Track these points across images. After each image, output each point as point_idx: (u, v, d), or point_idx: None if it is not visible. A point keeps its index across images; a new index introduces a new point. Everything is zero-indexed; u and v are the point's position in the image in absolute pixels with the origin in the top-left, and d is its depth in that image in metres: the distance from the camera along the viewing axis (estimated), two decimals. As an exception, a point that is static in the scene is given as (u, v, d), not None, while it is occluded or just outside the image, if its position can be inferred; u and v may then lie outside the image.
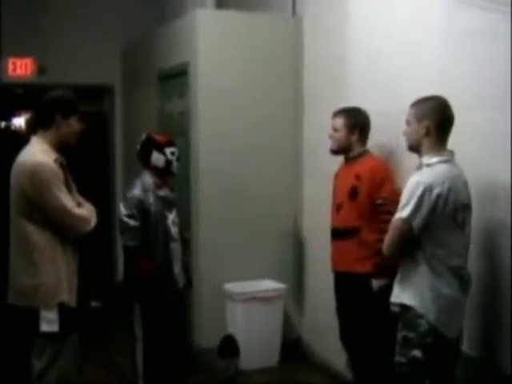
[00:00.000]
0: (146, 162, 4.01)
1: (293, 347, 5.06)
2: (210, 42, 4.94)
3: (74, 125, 3.25)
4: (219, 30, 4.97)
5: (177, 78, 5.35)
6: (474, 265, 3.13)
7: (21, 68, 6.57)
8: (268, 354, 4.85)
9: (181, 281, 4.07)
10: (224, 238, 4.95)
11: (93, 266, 3.67)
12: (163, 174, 4.01)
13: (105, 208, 3.55)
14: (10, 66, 6.51)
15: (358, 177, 3.74)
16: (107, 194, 7.09)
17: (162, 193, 4.01)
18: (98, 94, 7.13)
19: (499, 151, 3.14)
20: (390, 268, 3.21)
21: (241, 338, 4.65)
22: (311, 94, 5.00)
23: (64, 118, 3.20)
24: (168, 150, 3.98)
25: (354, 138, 3.84)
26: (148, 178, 3.98)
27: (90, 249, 3.43)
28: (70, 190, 3.24)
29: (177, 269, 4.02)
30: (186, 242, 4.33)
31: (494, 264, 3.21)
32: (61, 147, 3.25)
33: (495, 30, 3.17)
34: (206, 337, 4.79)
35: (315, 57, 4.93)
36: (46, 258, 3.12)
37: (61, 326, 3.12)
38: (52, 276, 3.12)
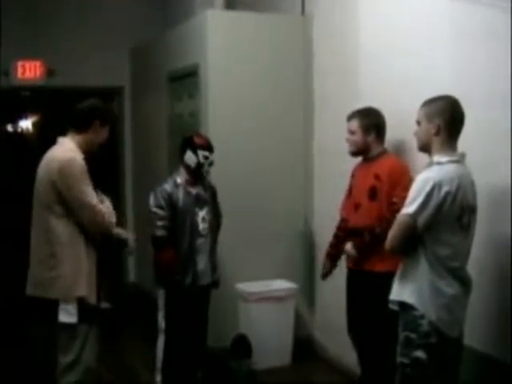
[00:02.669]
0: (180, 158, 4.12)
1: (304, 346, 5.07)
2: (220, 43, 4.96)
3: (104, 134, 3.41)
4: (228, 31, 4.99)
5: (187, 79, 5.37)
6: (480, 265, 3.17)
7: (30, 71, 6.60)
8: (280, 354, 4.87)
9: (206, 278, 4.16)
10: (236, 238, 4.95)
11: (104, 267, 3.73)
12: (194, 174, 4.10)
13: (115, 210, 3.60)
14: (19, 69, 6.55)
15: (377, 177, 3.72)
16: (117, 195, 7.11)
17: (194, 190, 4.12)
18: (108, 95, 7.15)
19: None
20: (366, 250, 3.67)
21: (253, 338, 4.67)
22: (321, 95, 5.00)
23: (101, 125, 3.36)
24: (201, 153, 4.05)
25: (371, 138, 3.83)
26: (181, 175, 4.11)
27: (104, 249, 3.48)
28: None
29: (201, 265, 4.12)
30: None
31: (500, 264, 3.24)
32: (86, 151, 3.35)
33: (504, 29, 3.16)
34: (218, 336, 4.81)
35: (325, 57, 4.93)
36: (68, 252, 3.20)
37: (81, 319, 3.18)
38: (72, 270, 3.20)
